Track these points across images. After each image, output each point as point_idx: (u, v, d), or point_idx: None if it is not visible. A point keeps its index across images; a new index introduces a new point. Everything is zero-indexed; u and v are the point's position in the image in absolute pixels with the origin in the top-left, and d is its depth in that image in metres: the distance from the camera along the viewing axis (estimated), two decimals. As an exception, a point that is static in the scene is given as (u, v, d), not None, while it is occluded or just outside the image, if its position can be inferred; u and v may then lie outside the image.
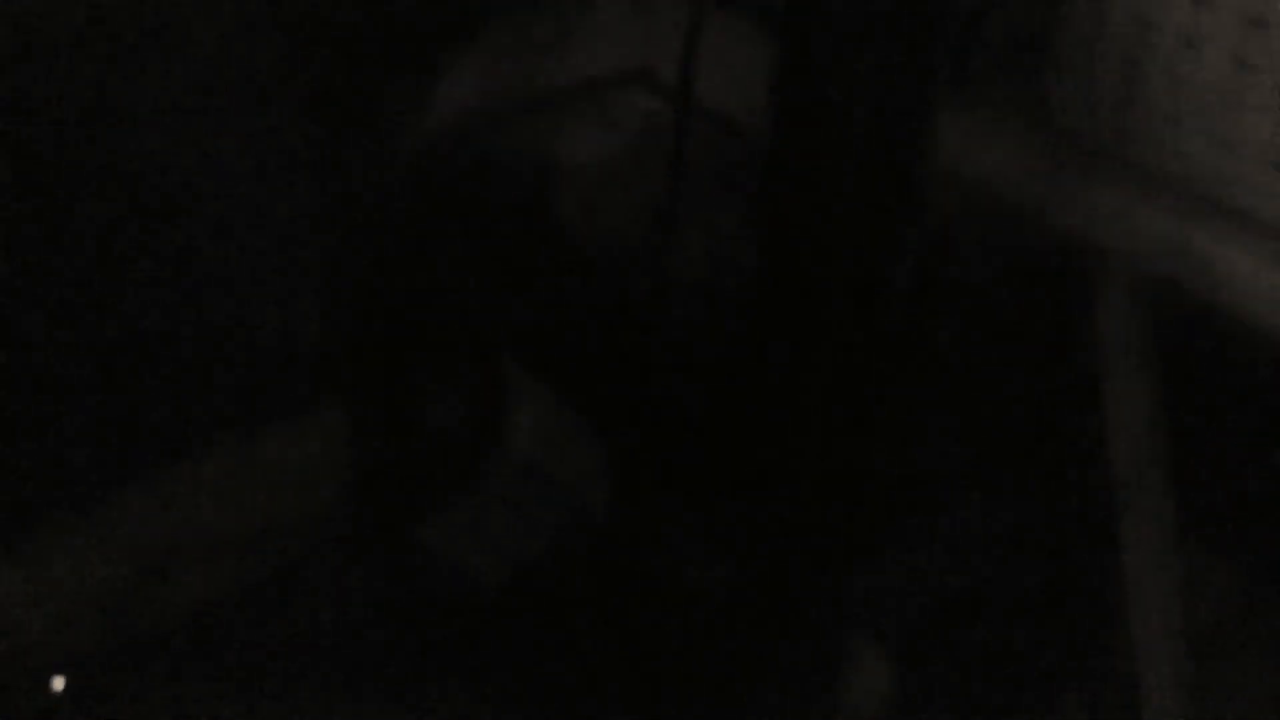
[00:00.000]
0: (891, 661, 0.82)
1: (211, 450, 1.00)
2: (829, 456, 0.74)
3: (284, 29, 0.87)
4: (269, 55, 0.89)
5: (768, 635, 0.82)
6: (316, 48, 0.91)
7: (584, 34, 0.97)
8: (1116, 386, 0.68)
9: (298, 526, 1.03)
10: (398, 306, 1.01)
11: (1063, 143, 0.64)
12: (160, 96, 0.85)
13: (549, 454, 1.05)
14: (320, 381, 1.03)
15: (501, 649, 0.98)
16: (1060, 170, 0.63)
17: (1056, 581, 0.83)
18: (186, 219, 0.92)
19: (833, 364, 0.71)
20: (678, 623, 0.94)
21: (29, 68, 0.81)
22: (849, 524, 0.77)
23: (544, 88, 0.97)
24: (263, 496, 1.03)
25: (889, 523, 0.85)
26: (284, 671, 0.97)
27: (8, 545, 0.93)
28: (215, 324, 0.97)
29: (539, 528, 1.02)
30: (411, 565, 1.01)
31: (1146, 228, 0.61)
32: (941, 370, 0.81)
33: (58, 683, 0.92)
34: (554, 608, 0.99)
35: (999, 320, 0.80)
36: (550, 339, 0.92)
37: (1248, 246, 0.57)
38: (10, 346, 0.87)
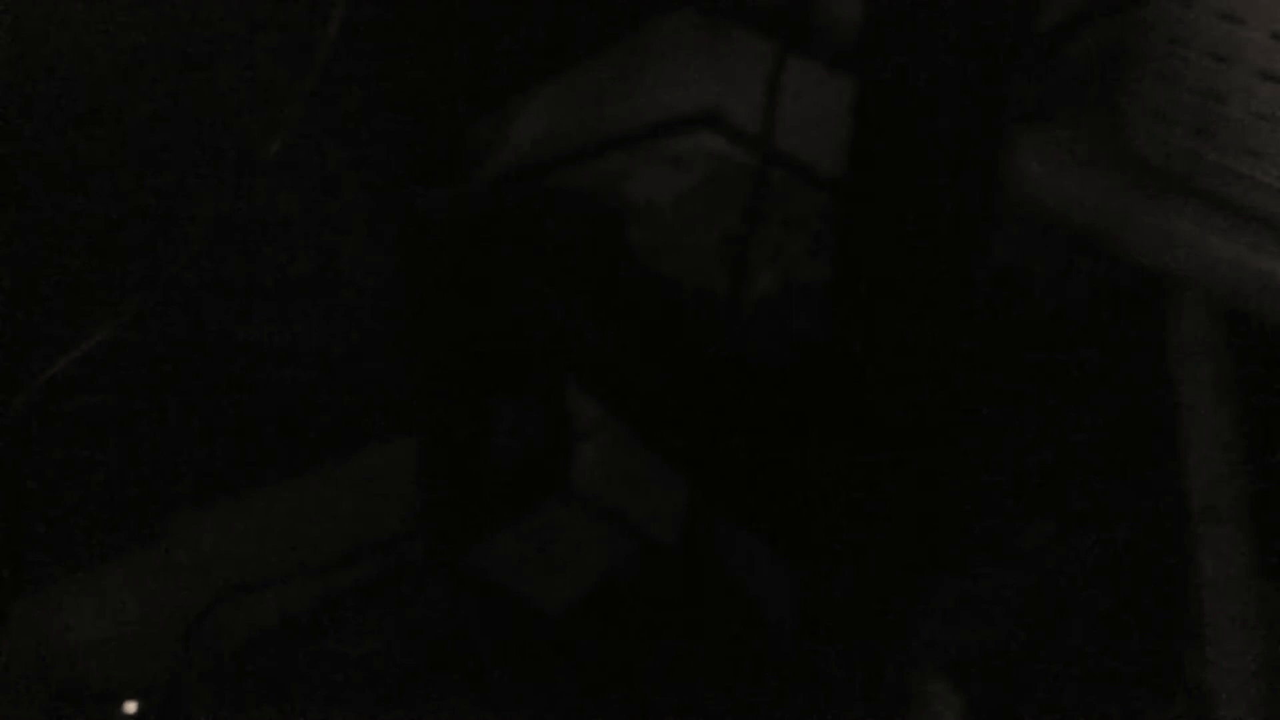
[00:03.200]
0: (962, 693, 0.81)
1: (285, 477, 1.01)
2: (902, 488, 0.74)
3: (363, 61, 0.89)
4: (349, 90, 0.91)
5: (837, 664, 0.81)
6: (395, 84, 0.93)
7: (654, 76, 0.98)
8: (1193, 414, 0.68)
9: (366, 554, 1.04)
10: (470, 339, 1.02)
11: (1139, 171, 0.64)
12: (234, 123, 0.87)
13: (612, 487, 1.05)
14: (392, 410, 1.04)
15: (562, 675, 0.97)
16: (1136, 198, 0.64)
17: (1131, 611, 0.82)
18: (265, 247, 0.94)
19: (908, 393, 0.71)
20: (743, 649, 0.93)
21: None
22: (922, 550, 0.77)
23: (614, 129, 0.98)
24: (334, 524, 1.03)
25: (962, 548, 0.84)
26: (349, 695, 0.96)
27: (79, 571, 0.93)
28: (287, 353, 0.98)
29: (600, 558, 1.02)
30: (474, 592, 1.01)
31: (1221, 257, 0.61)
32: (1017, 395, 0.81)
33: (130, 707, 0.92)
34: (615, 635, 0.98)
35: (1075, 347, 0.80)
36: (620, 372, 0.93)
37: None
38: (82, 373, 0.88)
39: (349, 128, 0.94)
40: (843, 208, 0.72)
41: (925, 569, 0.78)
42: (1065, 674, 0.81)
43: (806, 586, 0.82)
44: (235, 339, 0.96)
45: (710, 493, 0.92)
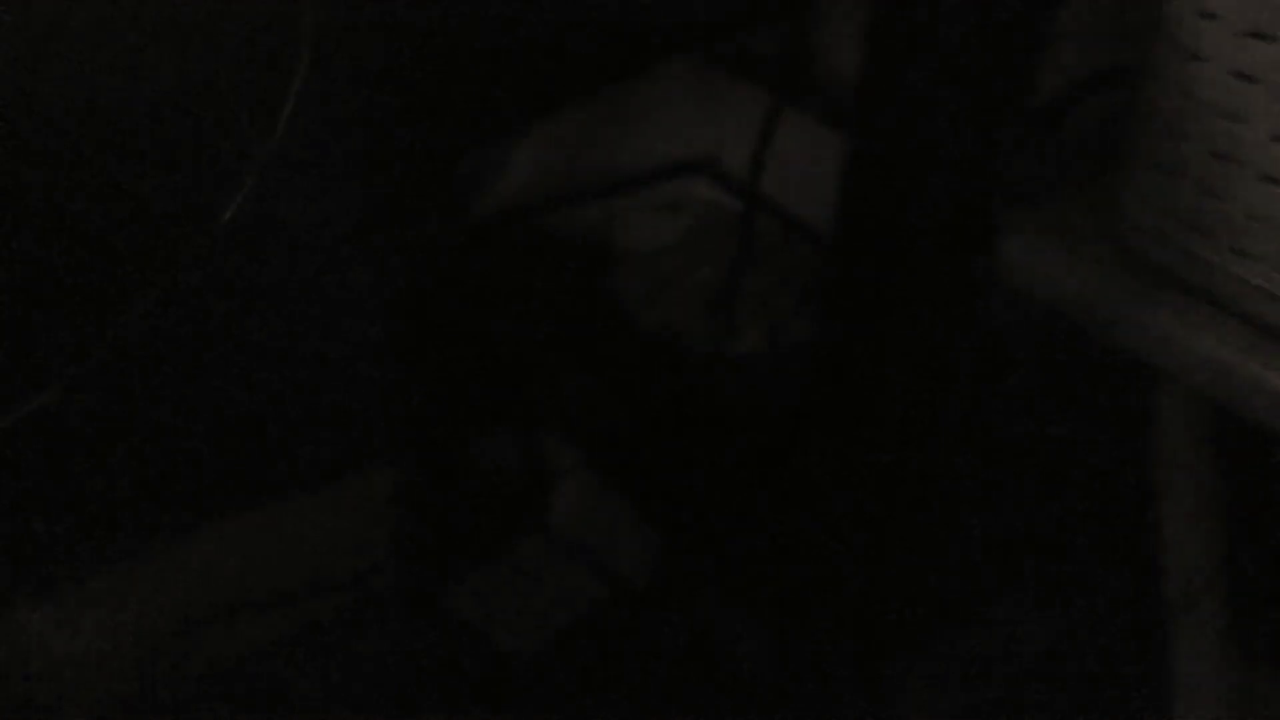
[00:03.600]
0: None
1: (254, 507, 1.00)
2: (880, 540, 0.73)
3: (358, 91, 0.88)
4: (341, 121, 0.89)
5: (807, 713, 0.80)
6: (389, 116, 0.92)
7: (649, 121, 0.98)
8: (1173, 501, 0.67)
9: (336, 586, 1.03)
10: (451, 375, 1.01)
11: (1130, 263, 0.63)
12: (226, 148, 0.85)
13: (587, 528, 1.04)
14: (367, 443, 1.03)
15: (534, 716, 0.96)
16: (1126, 291, 0.63)
17: (1105, 690, 0.81)
18: (246, 276, 0.93)
19: (891, 450, 0.70)
20: (715, 698, 0.92)
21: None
22: (894, 610, 0.76)
23: (607, 172, 0.97)
24: (302, 555, 1.02)
25: (936, 615, 0.84)
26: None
27: (47, 594, 0.93)
28: (267, 382, 0.97)
29: (572, 600, 1.02)
30: (445, 631, 1.00)
31: (1210, 356, 0.60)
32: (996, 471, 0.80)
33: (94, 731, 0.91)
34: (586, 677, 0.98)
35: (1056, 428, 0.79)
36: (599, 419, 0.92)
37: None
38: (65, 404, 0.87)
39: (337, 160, 0.93)
40: (830, 265, 0.71)
41: (901, 636, 0.78)
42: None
43: (781, 644, 0.82)
44: (213, 366, 0.94)
45: (683, 545, 0.92)
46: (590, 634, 0.99)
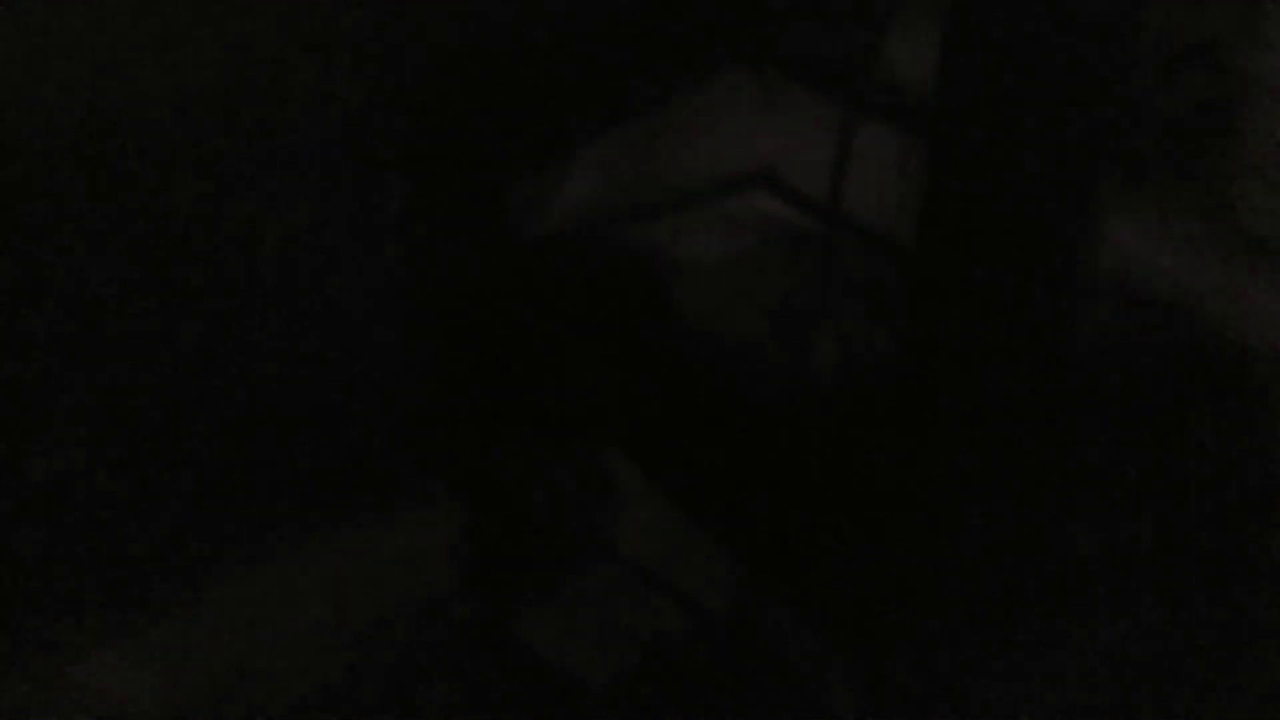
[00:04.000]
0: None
1: (323, 538, 0.98)
2: (967, 564, 0.69)
3: (412, 110, 0.86)
4: (395, 137, 0.88)
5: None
6: (447, 134, 0.90)
7: (706, 134, 0.95)
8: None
9: (407, 616, 1.00)
10: (518, 400, 0.98)
11: (1248, 248, 0.59)
12: (281, 186, 0.84)
13: (658, 554, 1.01)
14: (436, 473, 1.01)
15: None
16: (1243, 274, 0.59)
17: (1208, 701, 0.76)
18: (308, 307, 0.91)
19: (981, 472, 0.66)
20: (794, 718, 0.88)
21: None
22: (979, 634, 0.72)
23: (666, 188, 0.94)
24: (373, 585, 1.00)
25: (1028, 633, 0.79)
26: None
27: (119, 627, 0.90)
28: (333, 412, 0.95)
29: (645, 629, 0.98)
30: (517, 662, 0.97)
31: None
32: (1098, 480, 0.76)
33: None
34: (661, 709, 0.94)
35: (1165, 429, 0.75)
36: (667, 440, 0.88)
37: None
38: (124, 430, 0.85)
39: (400, 186, 0.91)
40: (912, 277, 0.68)
41: (989, 655, 0.74)
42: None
43: (866, 670, 0.78)
44: (278, 396, 0.93)
45: (760, 569, 0.88)
46: (666, 664, 0.95)
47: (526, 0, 0.86)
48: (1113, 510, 0.76)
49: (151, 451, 0.87)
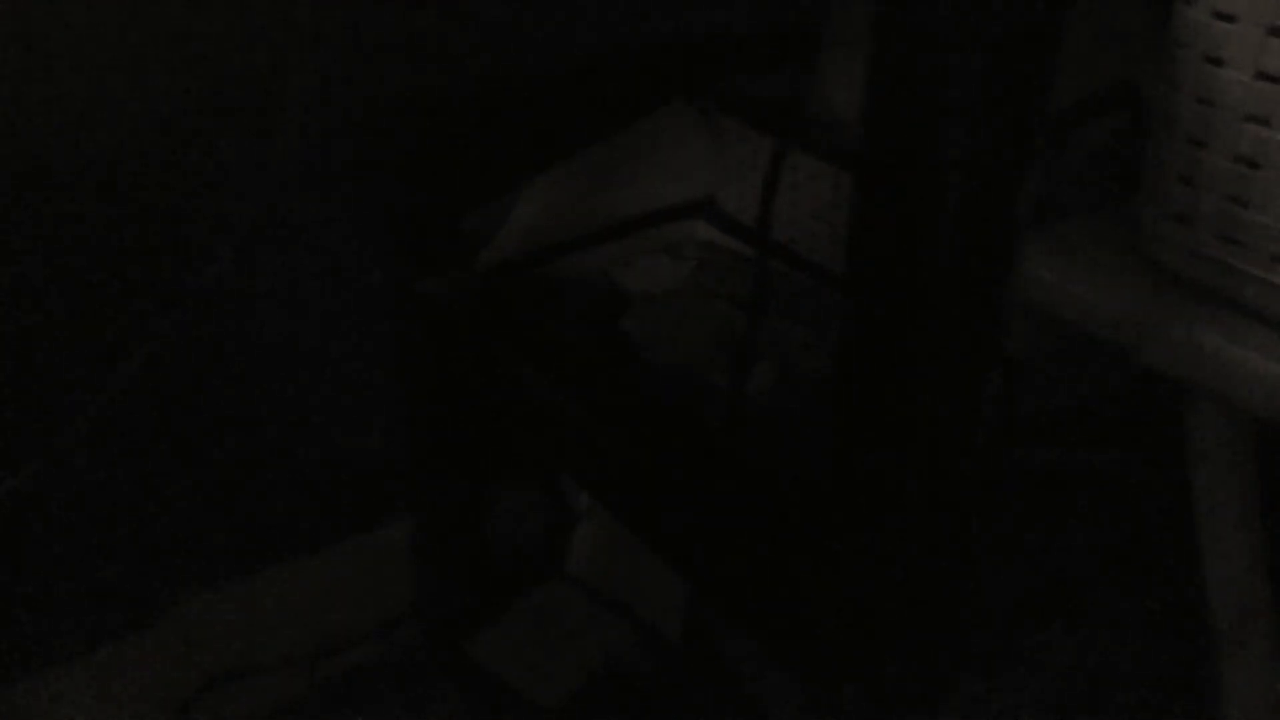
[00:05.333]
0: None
1: (269, 566, 0.96)
2: (910, 580, 0.68)
3: (363, 140, 0.85)
4: (347, 169, 0.87)
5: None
6: (397, 174, 0.89)
7: (649, 166, 0.95)
8: (1213, 522, 0.63)
9: (360, 639, 0.99)
10: (469, 425, 0.97)
11: (1160, 279, 0.59)
12: (235, 210, 0.83)
13: (609, 575, 1.00)
14: (390, 493, 1.00)
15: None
16: (1158, 308, 0.59)
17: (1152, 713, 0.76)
18: (258, 333, 0.90)
19: (914, 494, 0.66)
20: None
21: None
22: (929, 655, 0.72)
23: (610, 217, 0.94)
24: (320, 612, 0.99)
25: (971, 656, 0.79)
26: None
27: (70, 655, 0.89)
28: (284, 434, 0.94)
29: (596, 647, 0.97)
30: (472, 680, 0.96)
31: (1252, 370, 0.56)
32: (1028, 497, 0.76)
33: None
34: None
35: (1088, 446, 0.75)
36: (615, 465, 0.88)
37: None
38: (83, 456, 0.84)
39: (350, 213, 0.91)
40: (844, 302, 0.68)
41: (940, 678, 0.73)
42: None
43: (813, 692, 0.77)
44: (234, 421, 0.91)
45: (708, 592, 0.87)
46: (616, 682, 0.94)
47: (477, 43, 0.86)
48: (1042, 536, 0.76)
49: (126, 472, 0.86)
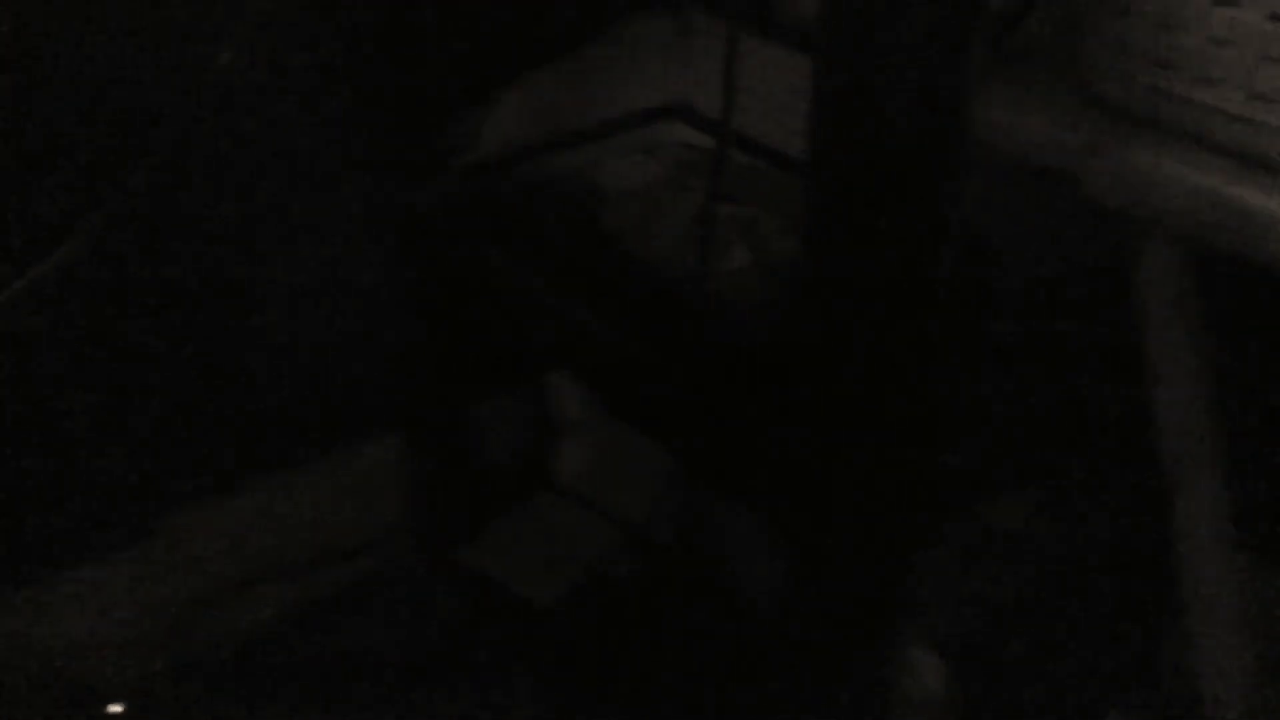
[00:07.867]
0: (948, 666, 0.76)
1: (275, 475, 0.97)
2: (880, 454, 0.69)
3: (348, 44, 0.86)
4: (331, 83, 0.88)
5: (823, 638, 0.76)
6: (382, 84, 0.90)
7: (626, 71, 0.96)
8: (1164, 355, 0.63)
9: (356, 548, 1.00)
10: (457, 335, 0.98)
11: (1101, 110, 0.60)
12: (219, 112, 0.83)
13: (598, 483, 1.01)
14: (382, 407, 1.00)
15: (556, 669, 0.92)
16: (1099, 137, 0.59)
17: (1113, 579, 0.76)
18: (250, 245, 0.91)
19: (880, 357, 0.66)
20: (734, 626, 0.88)
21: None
22: (902, 526, 0.72)
23: (588, 121, 0.95)
24: (325, 521, 0.99)
25: (941, 524, 0.79)
26: (342, 693, 0.92)
27: (66, 570, 0.89)
28: (274, 350, 0.94)
29: (588, 552, 0.98)
30: (467, 587, 0.97)
31: (1189, 190, 0.57)
32: (987, 359, 0.76)
33: (114, 708, 0.87)
34: (606, 627, 0.94)
35: (1050, 321, 0.75)
36: (606, 356, 0.89)
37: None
38: (75, 372, 0.85)
39: (340, 125, 0.91)
40: (807, 182, 0.68)
41: (908, 544, 0.74)
42: (1051, 650, 0.75)
43: (796, 565, 0.78)
44: (223, 336, 0.92)
45: (700, 473, 0.88)
46: (608, 583, 0.95)
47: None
48: (1005, 408, 0.77)
49: (114, 386, 0.87)
